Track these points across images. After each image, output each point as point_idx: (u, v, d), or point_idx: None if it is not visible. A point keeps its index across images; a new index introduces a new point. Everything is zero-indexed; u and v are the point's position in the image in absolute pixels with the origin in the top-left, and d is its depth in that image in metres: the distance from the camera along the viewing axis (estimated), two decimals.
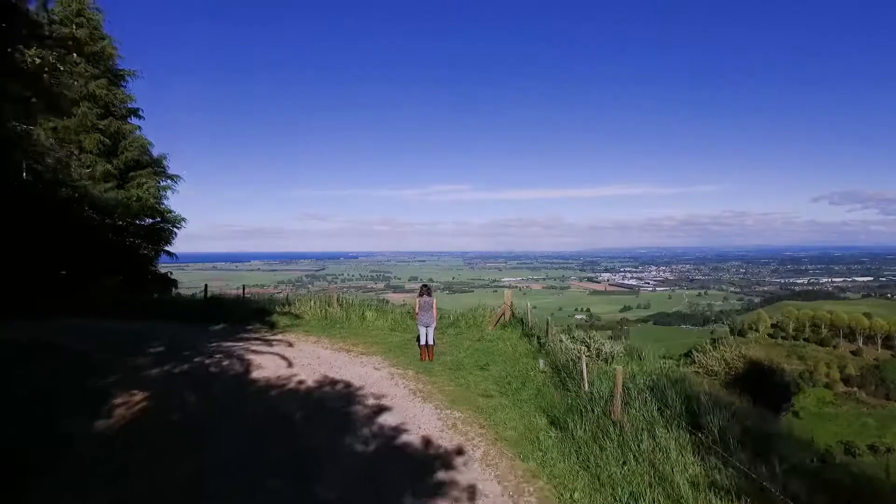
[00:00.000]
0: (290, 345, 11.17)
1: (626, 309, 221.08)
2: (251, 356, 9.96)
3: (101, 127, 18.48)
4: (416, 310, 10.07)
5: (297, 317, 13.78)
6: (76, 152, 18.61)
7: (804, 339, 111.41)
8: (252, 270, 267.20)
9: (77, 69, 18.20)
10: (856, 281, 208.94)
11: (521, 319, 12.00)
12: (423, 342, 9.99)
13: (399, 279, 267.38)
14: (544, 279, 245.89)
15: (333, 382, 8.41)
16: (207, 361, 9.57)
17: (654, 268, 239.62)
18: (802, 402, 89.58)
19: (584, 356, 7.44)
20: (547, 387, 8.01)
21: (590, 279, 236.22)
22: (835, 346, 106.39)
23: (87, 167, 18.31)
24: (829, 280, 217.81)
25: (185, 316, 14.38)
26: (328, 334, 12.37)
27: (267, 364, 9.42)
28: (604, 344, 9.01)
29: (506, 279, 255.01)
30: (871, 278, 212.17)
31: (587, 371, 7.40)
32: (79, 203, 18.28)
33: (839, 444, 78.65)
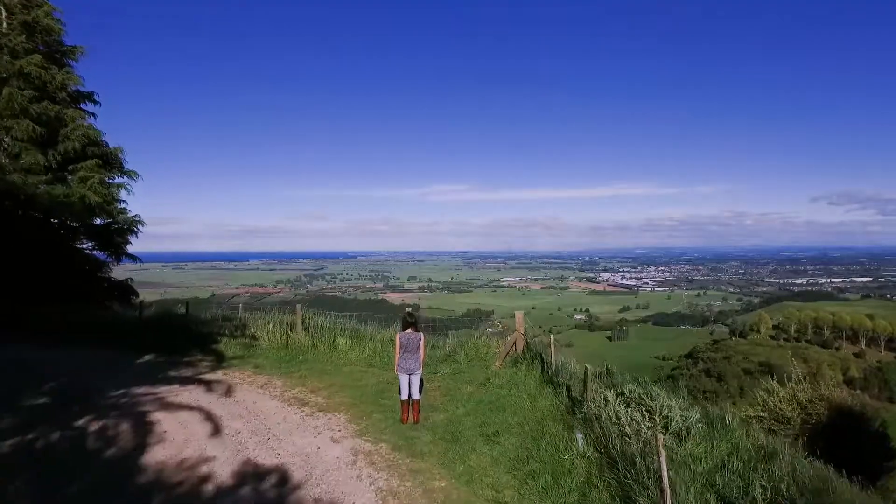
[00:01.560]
0: (229, 391, 8.09)
1: (625, 309, 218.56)
2: (161, 415, 6.90)
3: (33, 111, 15.36)
4: (396, 350, 6.98)
5: (252, 344, 10.68)
6: (6, 139, 15.52)
7: (806, 341, 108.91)
8: (251, 270, 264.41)
9: (2, 41, 15.11)
10: (854, 282, 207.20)
11: (540, 355, 8.88)
12: (404, 396, 6.91)
13: (398, 279, 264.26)
14: (543, 279, 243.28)
15: (261, 474, 5.34)
16: (94, 427, 6.50)
17: (652, 268, 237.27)
18: None
19: (661, 443, 4.37)
20: (597, 489, 4.94)
21: (589, 279, 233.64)
22: (837, 348, 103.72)
23: (17, 156, 15.22)
24: (828, 280, 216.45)
25: (114, 341, 11.32)
26: (284, 371, 9.28)
27: (176, 432, 6.36)
28: (671, 407, 5.94)
29: (505, 279, 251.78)
30: (870, 279, 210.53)
31: (667, 469, 4.36)
32: (8, 197, 15.20)
33: None
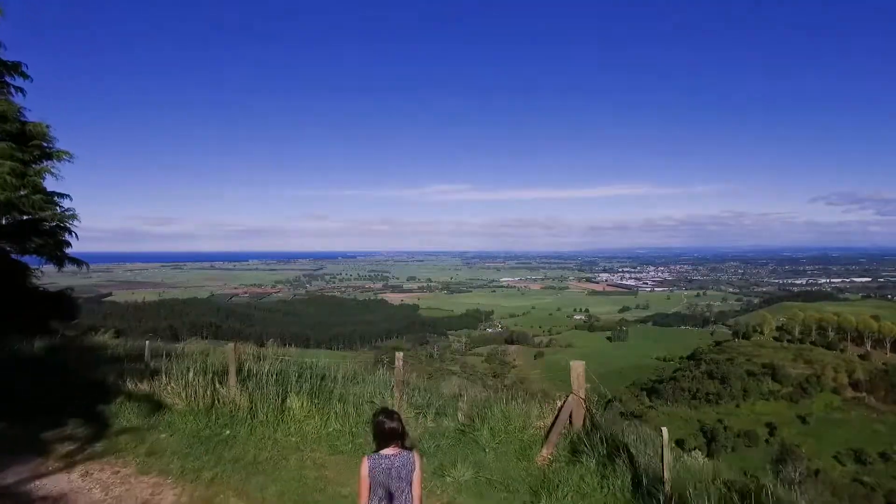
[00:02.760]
0: None
1: (624, 309, 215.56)
2: None
3: None
4: (361, 495, 3.09)
5: (157, 407, 6.83)
6: None
7: (810, 343, 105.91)
8: (250, 270, 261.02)
9: None
10: (854, 282, 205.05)
11: (625, 446, 5.01)
12: None
13: (397, 279, 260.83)
14: (543, 279, 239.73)
15: None
16: None
17: (652, 268, 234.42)
18: (810, 407, 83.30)
19: None
20: None
21: (588, 279, 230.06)
22: (842, 350, 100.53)
23: None
24: (828, 281, 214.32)
25: None
26: (192, 465, 5.45)
27: None
28: None
29: (504, 279, 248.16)
30: (870, 279, 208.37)
31: None
32: None
33: (849, 451, 72.34)
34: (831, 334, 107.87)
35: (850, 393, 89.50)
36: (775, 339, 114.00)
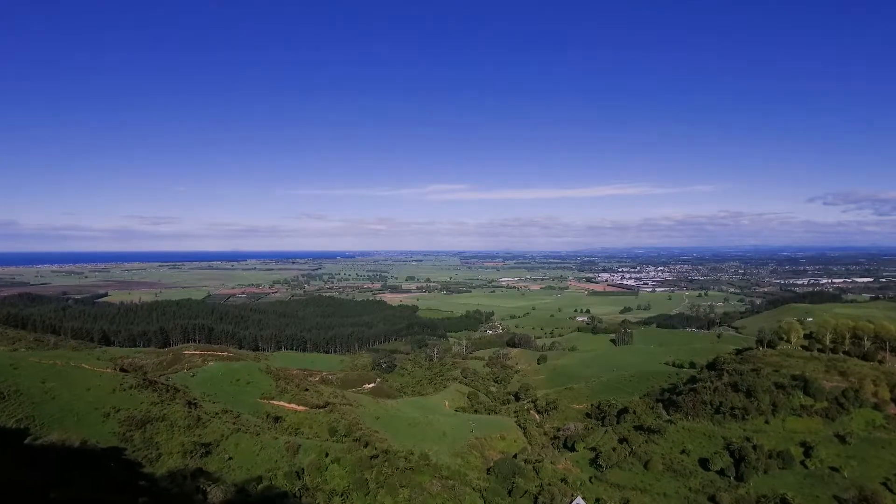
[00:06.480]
0: None
1: (626, 310, 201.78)
2: None
3: None
4: None
5: None
6: None
7: (843, 352, 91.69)
8: (249, 269, 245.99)
9: None
10: (856, 282, 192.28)
11: None
12: None
13: (396, 279, 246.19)
14: (542, 279, 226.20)
15: None
16: None
17: (652, 268, 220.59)
18: (849, 424, 69.62)
19: None
20: None
21: (588, 279, 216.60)
22: (881, 361, 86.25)
23: None
24: (829, 281, 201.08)
25: None
26: None
27: None
28: None
29: (503, 279, 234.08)
30: (871, 279, 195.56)
31: None
32: None
33: None
34: (867, 343, 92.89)
35: (893, 409, 74.56)
36: (804, 347, 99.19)
